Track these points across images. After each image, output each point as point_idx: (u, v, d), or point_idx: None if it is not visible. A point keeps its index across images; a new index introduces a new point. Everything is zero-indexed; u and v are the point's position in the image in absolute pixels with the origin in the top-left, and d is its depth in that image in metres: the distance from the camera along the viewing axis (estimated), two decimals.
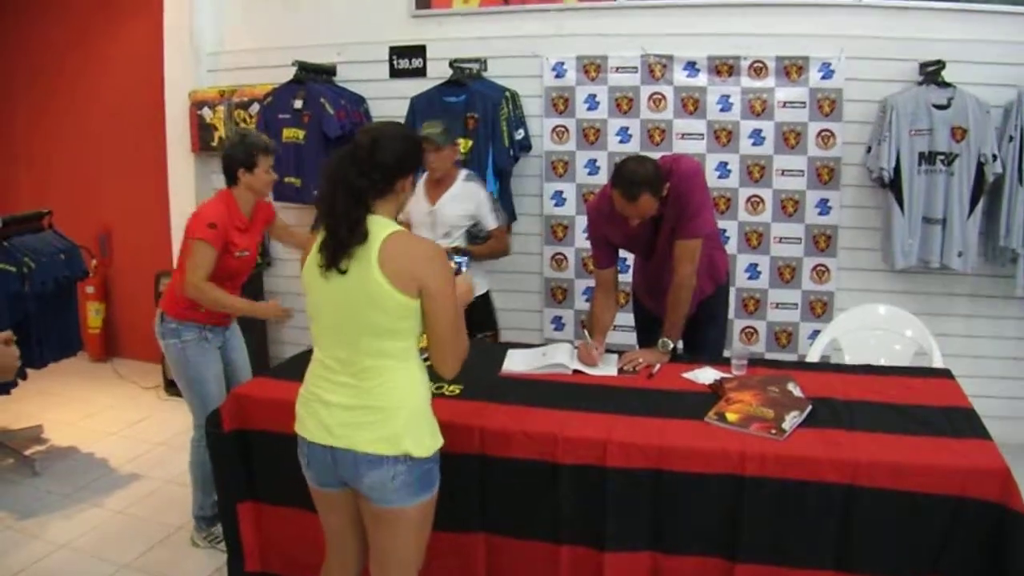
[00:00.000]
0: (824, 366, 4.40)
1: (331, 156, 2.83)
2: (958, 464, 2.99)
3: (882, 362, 4.52)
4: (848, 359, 4.72)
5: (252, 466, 3.64)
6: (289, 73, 6.13)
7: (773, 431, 3.19)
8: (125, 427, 6.06)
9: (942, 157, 5.32)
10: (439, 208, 4.94)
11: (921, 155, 5.35)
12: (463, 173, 5.03)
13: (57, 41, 7.54)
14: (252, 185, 4.23)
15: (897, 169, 5.37)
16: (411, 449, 2.77)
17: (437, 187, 4.98)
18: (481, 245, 4.99)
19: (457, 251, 3.09)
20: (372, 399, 2.78)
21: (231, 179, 4.23)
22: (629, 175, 3.90)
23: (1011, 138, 5.27)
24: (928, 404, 3.53)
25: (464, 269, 3.09)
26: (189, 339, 4.23)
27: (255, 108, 6.30)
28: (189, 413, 4.37)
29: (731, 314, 5.60)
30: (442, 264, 2.79)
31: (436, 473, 2.89)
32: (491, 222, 4.99)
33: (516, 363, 4.03)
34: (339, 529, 3.02)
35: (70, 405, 6.49)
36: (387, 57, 6.22)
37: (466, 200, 4.96)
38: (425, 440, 2.83)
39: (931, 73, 5.38)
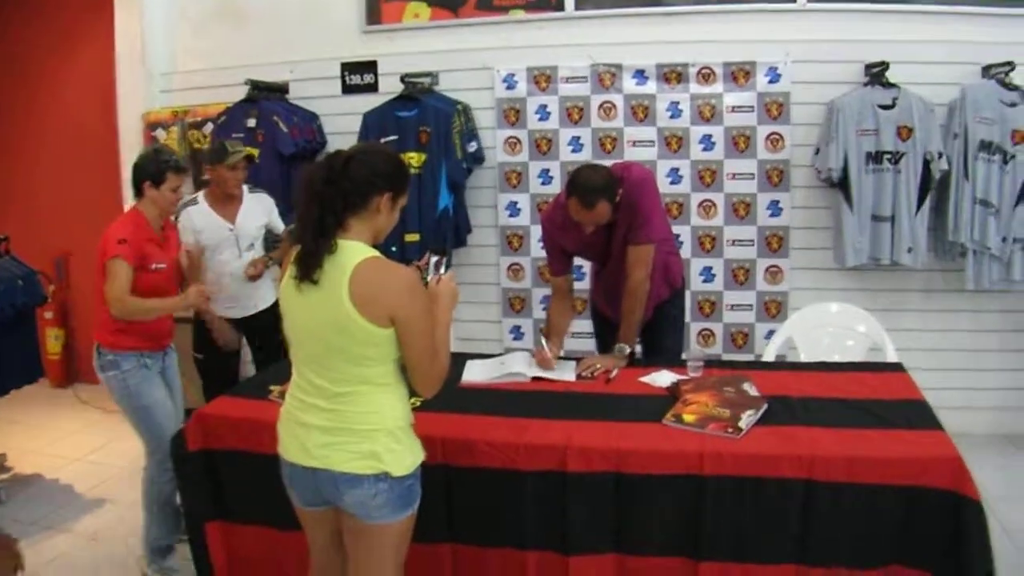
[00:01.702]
0: (779, 365, 4.45)
1: (308, 168, 2.81)
2: (912, 455, 3.04)
3: (836, 359, 4.56)
4: (803, 357, 4.77)
5: (219, 485, 3.61)
6: (242, 92, 6.11)
7: (730, 430, 3.21)
8: (89, 452, 5.99)
9: (889, 156, 5.39)
10: (240, 225, 4.93)
11: (868, 155, 5.42)
12: (245, 186, 5.01)
13: (9, 66, 7.47)
14: (156, 201, 4.15)
15: (845, 169, 5.44)
16: (390, 468, 2.75)
17: (228, 205, 4.94)
18: (277, 251, 5.06)
19: (434, 252, 3.06)
20: (349, 422, 2.76)
21: (137, 191, 4.16)
22: (585, 183, 3.92)
23: (956, 135, 5.35)
24: (881, 398, 3.58)
25: (443, 271, 3.05)
26: (129, 368, 4.13)
27: (209, 128, 6.27)
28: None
29: (687, 317, 5.63)
30: (414, 293, 2.74)
31: (417, 489, 2.87)
32: (281, 224, 5.07)
33: (475, 373, 4.04)
34: (325, 545, 3.00)
35: (33, 432, 6.42)
36: (339, 73, 6.21)
37: (259, 211, 4.99)
38: (405, 458, 2.80)
39: (876, 74, 5.45)
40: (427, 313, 2.78)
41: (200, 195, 4.99)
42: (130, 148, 6.59)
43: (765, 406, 3.41)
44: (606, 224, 4.09)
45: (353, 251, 2.71)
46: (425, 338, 2.75)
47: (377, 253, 2.75)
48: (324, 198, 2.70)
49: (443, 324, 2.88)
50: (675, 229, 5.63)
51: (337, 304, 2.66)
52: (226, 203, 4.94)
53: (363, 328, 2.66)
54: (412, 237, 5.71)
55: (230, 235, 4.91)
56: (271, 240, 5.11)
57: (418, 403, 3.01)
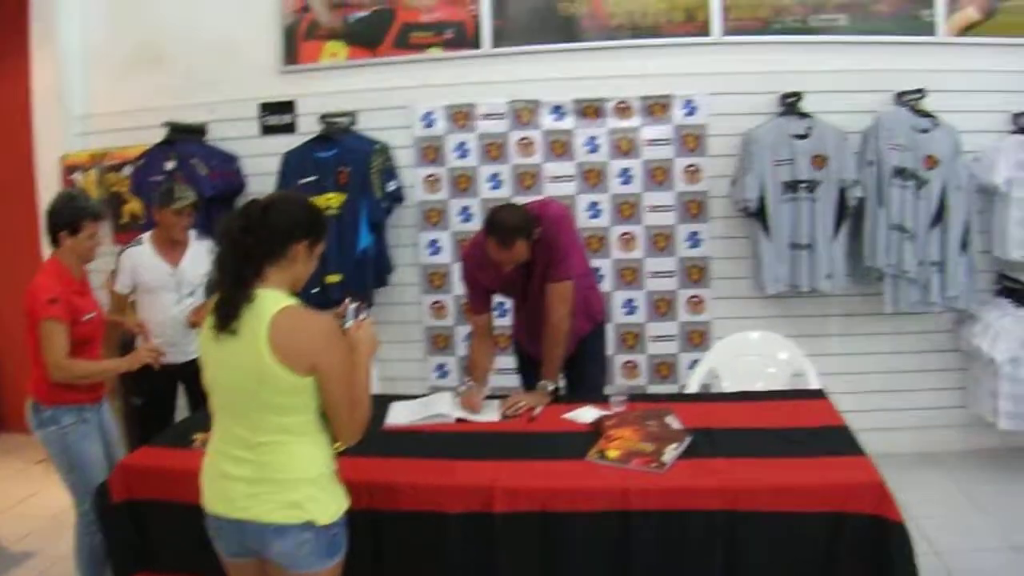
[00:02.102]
0: (701, 396, 4.50)
1: (225, 217, 2.79)
2: (834, 481, 3.10)
3: (759, 386, 4.61)
4: (726, 386, 4.81)
5: (145, 536, 3.55)
6: (160, 134, 6.03)
7: (654, 465, 3.24)
8: (15, 503, 5.86)
9: (804, 185, 5.47)
10: (182, 269, 4.86)
11: (784, 184, 5.49)
12: (193, 232, 4.96)
13: None
14: (75, 249, 4.06)
15: (762, 199, 5.50)
16: (315, 517, 2.73)
17: (174, 249, 4.89)
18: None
19: (354, 299, 3.04)
20: (272, 472, 2.73)
21: (53, 240, 4.06)
22: (502, 223, 3.96)
23: (870, 162, 5.43)
24: (803, 425, 3.64)
25: (364, 316, 3.02)
26: (69, 424, 4.01)
27: (127, 170, 6.19)
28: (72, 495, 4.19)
29: (611, 350, 5.68)
30: (333, 340, 2.74)
31: (343, 536, 2.85)
32: None
33: (398, 415, 4.02)
34: None
35: None
36: (257, 114, 6.17)
37: (205, 258, 4.89)
38: (329, 507, 2.79)
39: (790, 104, 5.54)
40: (347, 361, 2.77)
41: (146, 236, 4.93)
42: (48, 191, 6.42)
43: (688, 439, 3.44)
44: (525, 262, 4.11)
45: (271, 300, 2.69)
46: (345, 386, 2.74)
47: (295, 302, 2.74)
48: (241, 247, 2.69)
49: (363, 371, 2.86)
50: (596, 262, 5.68)
51: (256, 354, 2.64)
52: (171, 247, 4.88)
53: (282, 378, 2.65)
54: (333, 278, 5.67)
55: (170, 279, 4.84)
56: (211, 287, 5.03)
57: (341, 447, 2.99)
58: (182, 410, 5.08)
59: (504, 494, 3.15)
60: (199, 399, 4.99)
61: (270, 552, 2.76)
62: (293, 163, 5.82)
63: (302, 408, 2.73)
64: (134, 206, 6.17)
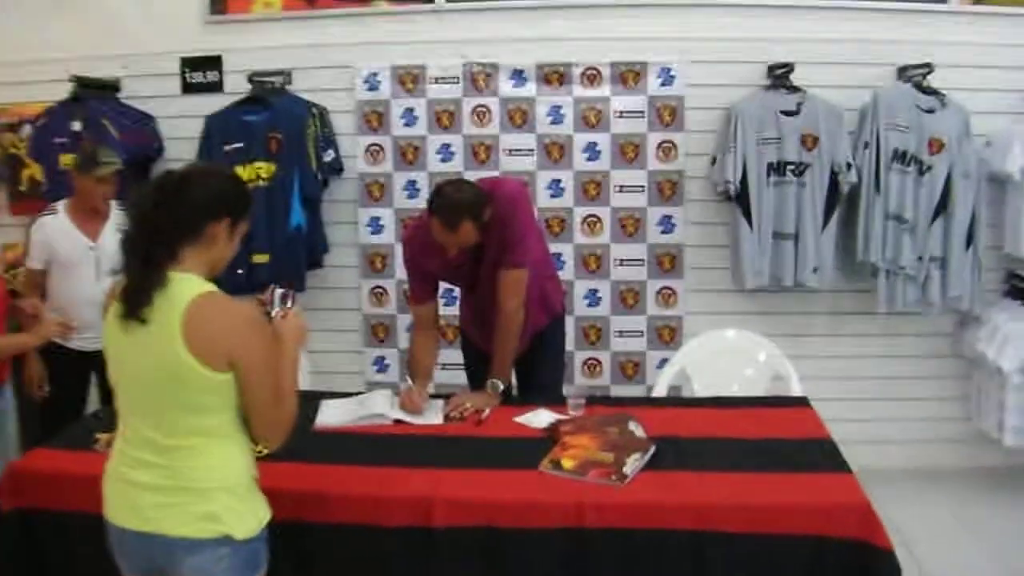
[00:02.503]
0: (669, 400, 4.53)
1: (135, 190, 2.75)
2: (816, 501, 3.11)
3: (735, 390, 4.65)
4: (698, 389, 4.83)
5: (39, 550, 3.49)
6: (66, 89, 5.94)
7: (613, 477, 3.24)
8: None
9: (792, 167, 5.49)
10: (103, 244, 4.82)
11: (770, 166, 5.51)
12: (114, 203, 4.92)
13: None
14: None
15: (744, 181, 5.50)
16: (233, 531, 2.70)
17: (93, 220, 4.86)
18: None
19: (280, 285, 3.01)
20: (185, 480, 2.69)
21: None
22: (448, 201, 3.94)
23: (867, 144, 5.44)
24: (783, 437, 3.66)
25: (291, 303, 3.00)
26: None
27: (27, 130, 6.09)
28: None
29: (571, 346, 5.69)
30: (256, 331, 2.71)
31: (264, 552, 2.82)
32: None
33: (330, 415, 4.01)
34: None
35: None
36: (178, 70, 6.09)
37: None
38: (249, 519, 2.76)
39: (779, 77, 5.54)
40: (271, 354, 2.75)
41: (61, 205, 4.88)
42: None
43: (652, 449, 3.44)
44: (475, 246, 4.10)
45: (186, 285, 2.65)
46: (269, 383, 2.71)
47: (213, 287, 2.70)
48: (154, 225, 2.65)
49: (290, 366, 2.84)
50: (556, 248, 5.70)
51: (168, 346, 2.60)
52: (89, 218, 4.83)
53: (198, 373, 2.61)
54: (261, 258, 5.64)
55: (89, 254, 4.80)
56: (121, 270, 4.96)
57: (263, 452, 2.97)
58: (93, 403, 5.04)
59: (446, 506, 3.14)
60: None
61: (181, 570, 2.72)
62: (218, 127, 5.77)
63: (220, 407, 2.70)
64: (34, 171, 6.05)
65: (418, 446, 3.69)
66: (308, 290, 5.88)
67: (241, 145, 5.68)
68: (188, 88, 6.09)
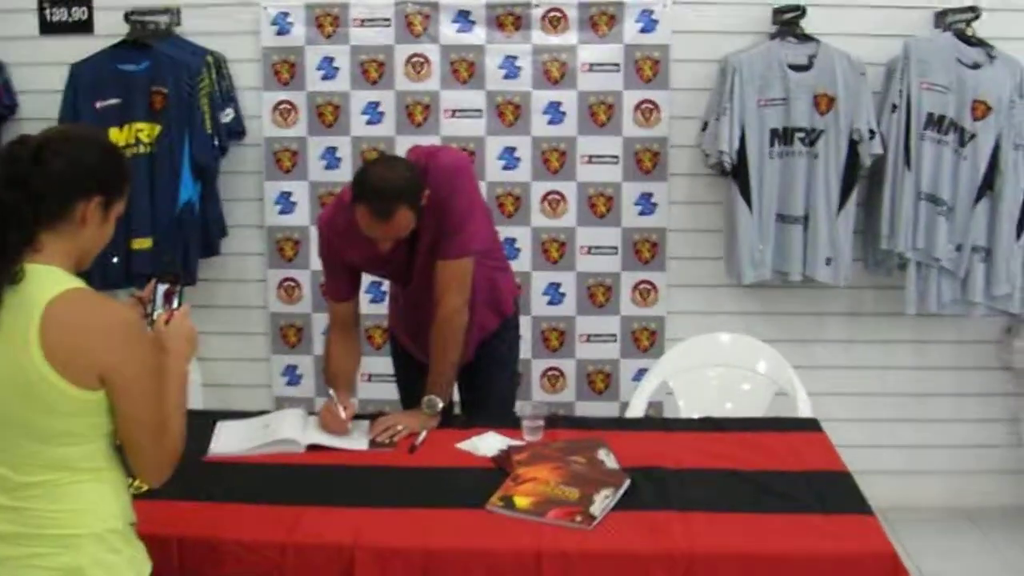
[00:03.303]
0: (648, 422, 4.56)
1: None
2: (829, 550, 3.12)
3: (728, 409, 4.66)
4: (683, 408, 4.86)
5: None
6: None
7: (578, 519, 3.24)
8: None
9: (802, 135, 5.50)
10: None
11: (774, 133, 5.51)
12: None
13: None
14: None
15: (742, 152, 5.49)
16: None
17: None
18: None
19: (163, 279, 2.96)
20: (42, 525, 2.64)
21: None
22: (378, 185, 3.88)
23: (894, 107, 5.42)
24: (787, 469, 3.67)
25: (175, 305, 2.97)
26: None
27: None
28: None
29: (526, 353, 5.68)
30: (133, 339, 2.65)
31: None
32: None
33: (227, 441, 3.99)
34: None
35: None
36: (35, 5, 6.04)
37: None
38: (123, 574, 2.73)
39: (787, 22, 5.53)
40: (152, 366, 2.70)
41: None
42: None
43: (627, 483, 3.45)
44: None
45: (46, 280, 2.60)
46: (149, 403, 2.67)
47: (81, 283, 2.66)
48: (5, 205, 2.61)
49: (176, 381, 2.81)
50: (508, 232, 5.72)
51: (21, 356, 2.54)
52: None
53: (60, 391, 2.56)
54: (142, 243, 5.61)
55: None
56: None
57: (142, 488, 2.96)
58: None
59: (370, 557, 3.13)
60: None
61: None
62: (87, 78, 5.71)
63: (87, 434, 2.65)
64: None
65: (336, 480, 3.67)
66: (200, 284, 5.87)
67: (116, 102, 5.64)
68: (48, 28, 6.02)
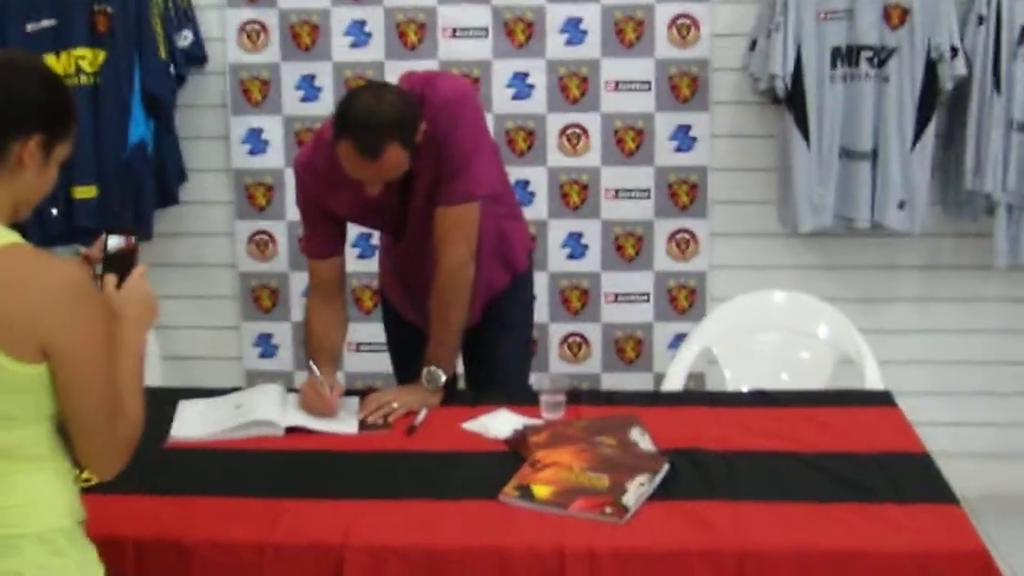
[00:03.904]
0: (688, 397, 4.55)
1: None
2: (905, 546, 3.09)
3: (784, 381, 4.68)
4: (729, 380, 4.87)
5: None
6: None
7: (609, 510, 3.23)
8: None
9: (869, 54, 5.48)
10: None
11: (836, 52, 5.50)
12: None
13: None
14: None
15: (798, 75, 5.48)
16: None
17: None
18: None
19: (113, 231, 2.94)
20: None
21: None
22: (365, 117, 3.83)
23: (981, 19, 5.39)
24: (856, 451, 3.66)
25: (131, 264, 2.95)
26: None
27: None
28: None
29: (543, 316, 5.71)
30: (82, 305, 2.62)
31: None
32: None
33: (192, 424, 3.98)
34: None
35: None
36: None
37: None
38: None
39: None
40: (103, 337, 2.68)
41: None
42: None
43: (665, 467, 3.44)
44: (402, 175, 4.06)
45: None
46: (100, 381, 2.65)
47: (17, 237, 2.64)
48: None
49: (131, 353, 2.80)
50: (520, 174, 5.73)
51: None
52: None
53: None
54: (86, 192, 5.62)
55: None
56: None
57: (92, 481, 2.96)
58: None
59: (362, 558, 3.13)
60: None
61: None
62: None
63: (26, 417, 2.64)
64: None
65: (322, 467, 3.67)
66: (157, 239, 5.87)
67: (51, 23, 5.62)
68: None
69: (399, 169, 3.96)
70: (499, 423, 3.91)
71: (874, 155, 5.52)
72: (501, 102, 5.78)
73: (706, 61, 5.81)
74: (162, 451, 3.78)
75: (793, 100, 5.50)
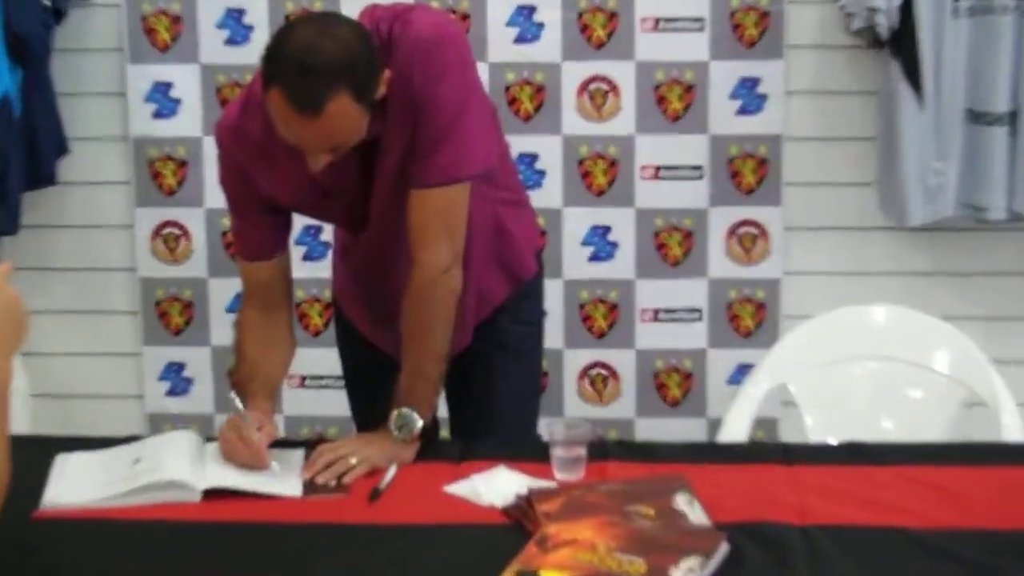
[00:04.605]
0: (755, 451, 4.51)
1: None
2: None
3: (886, 431, 4.65)
4: (811, 428, 4.85)
5: None
6: None
7: None
8: None
9: None
10: None
11: None
12: None
13: None
14: None
15: (908, 8, 5.49)
16: None
17: None
18: None
19: None
20: None
21: None
22: (300, 56, 3.75)
23: None
24: (991, 527, 3.61)
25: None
26: None
27: None
28: None
29: (556, 340, 5.69)
30: None
31: None
32: None
33: (73, 485, 3.95)
34: None
35: None
36: None
37: None
38: None
39: None
40: None
41: None
42: None
43: (724, 548, 3.42)
44: (361, 145, 4.02)
45: None
46: None
47: None
48: None
49: None
50: (525, 144, 5.78)
51: None
52: None
53: None
54: None
55: None
56: None
57: None
58: None
59: None
60: None
61: None
62: None
63: None
64: None
65: (253, 547, 3.63)
66: (27, 231, 5.92)
67: None
68: None
69: (351, 132, 3.88)
70: (496, 485, 3.87)
71: (1012, 119, 5.53)
72: (499, 47, 5.80)
73: None
74: (32, 523, 3.74)
75: (901, 43, 5.51)
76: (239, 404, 4.11)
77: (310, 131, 3.78)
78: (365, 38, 3.88)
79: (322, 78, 3.71)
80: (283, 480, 3.97)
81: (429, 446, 4.18)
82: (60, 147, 5.91)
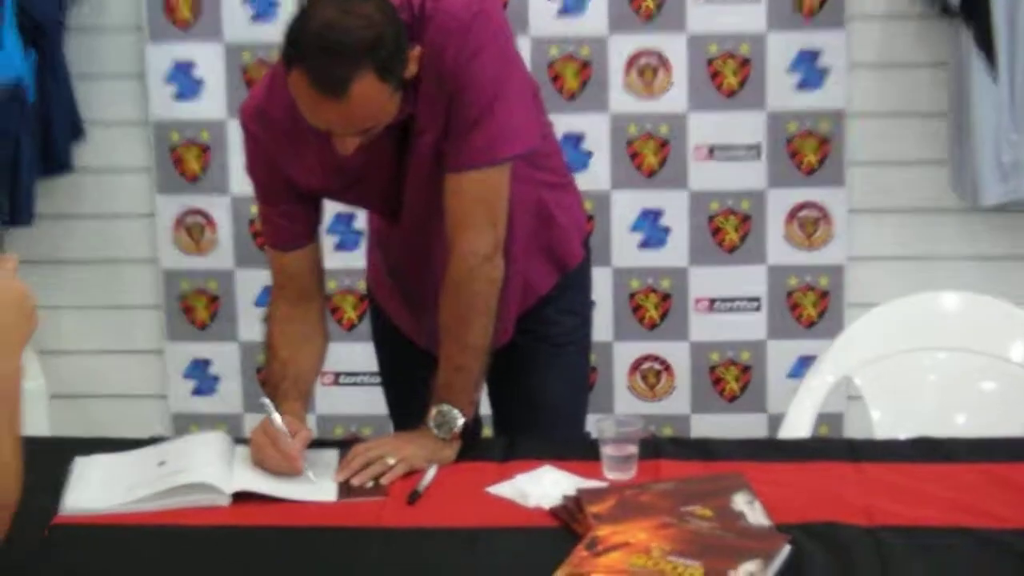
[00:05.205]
0: (819, 448, 4.49)
1: None
2: None
3: (959, 426, 4.64)
4: (878, 424, 4.85)
5: None
6: None
7: None
8: None
9: None
10: None
11: None
12: None
13: None
14: None
15: None
16: None
17: None
18: None
19: None
20: None
21: None
22: (322, 34, 3.76)
23: None
24: None
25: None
26: None
27: None
28: None
29: (605, 332, 5.69)
30: None
31: None
32: None
33: (93, 490, 3.96)
34: None
35: None
36: None
37: None
38: None
39: None
40: None
41: None
42: None
43: (786, 550, 3.42)
44: (393, 126, 4.03)
45: None
46: None
47: None
48: None
49: (4, 382, 2.83)
50: (570, 124, 5.77)
51: None
52: None
53: None
54: None
55: None
56: None
57: None
58: None
59: None
60: None
61: None
62: None
63: None
64: None
65: (286, 552, 3.63)
66: (41, 222, 5.93)
67: None
68: None
69: (380, 114, 3.88)
70: (542, 486, 3.87)
71: None
72: (541, 20, 5.80)
73: None
74: (52, 529, 3.74)
75: (973, 10, 5.50)
76: (270, 406, 4.10)
77: (336, 114, 3.79)
78: (392, 14, 3.85)
79: (346, 58, 3.71)
80: (316, 483, 3.96)
81: (471, 445, 4.18)
82: (75, 132, 5.92)
